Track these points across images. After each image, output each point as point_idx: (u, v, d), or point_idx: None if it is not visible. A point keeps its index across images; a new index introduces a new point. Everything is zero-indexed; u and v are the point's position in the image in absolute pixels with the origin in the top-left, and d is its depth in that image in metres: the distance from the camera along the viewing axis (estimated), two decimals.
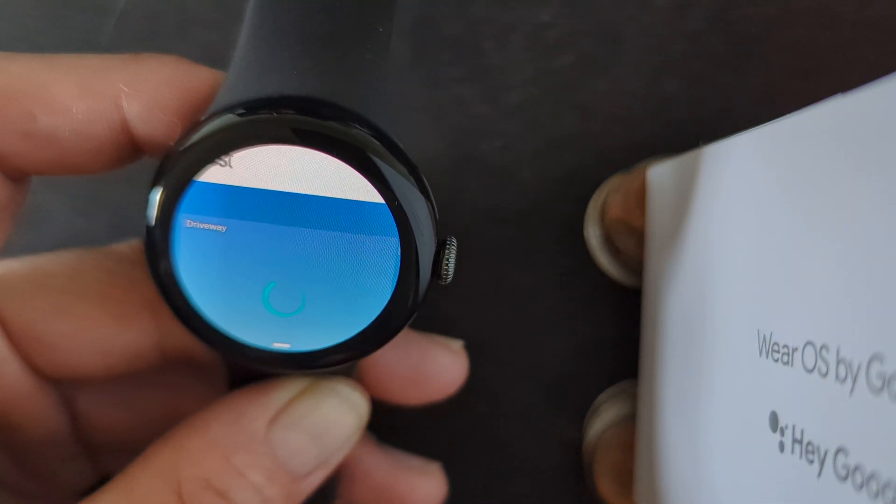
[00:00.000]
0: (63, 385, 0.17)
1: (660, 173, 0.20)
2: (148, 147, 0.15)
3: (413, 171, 0.14)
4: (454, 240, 0.15)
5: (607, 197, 0.22)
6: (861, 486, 0.11)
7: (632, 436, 0.21)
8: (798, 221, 0.13)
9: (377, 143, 0.14)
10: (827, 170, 0.12)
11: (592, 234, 0.22)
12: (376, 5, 0.15)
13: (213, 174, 0.14)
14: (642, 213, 0.21)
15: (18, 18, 0.22)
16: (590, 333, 0.23)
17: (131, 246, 0.17)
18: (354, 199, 0.14)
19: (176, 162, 0.14)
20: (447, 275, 0.14)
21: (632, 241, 0.21)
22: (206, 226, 0.14)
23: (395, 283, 0.14)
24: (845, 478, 0.12)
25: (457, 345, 0.20)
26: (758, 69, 0.22)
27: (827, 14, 0.22)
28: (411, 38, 0.22)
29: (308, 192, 0.14)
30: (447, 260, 0.14)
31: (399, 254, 0.14)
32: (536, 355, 0.23)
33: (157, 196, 0.14)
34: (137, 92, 0.14)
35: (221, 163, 0.13)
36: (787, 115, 0.14)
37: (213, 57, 0.22)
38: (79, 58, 0.14)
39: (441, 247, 0.14)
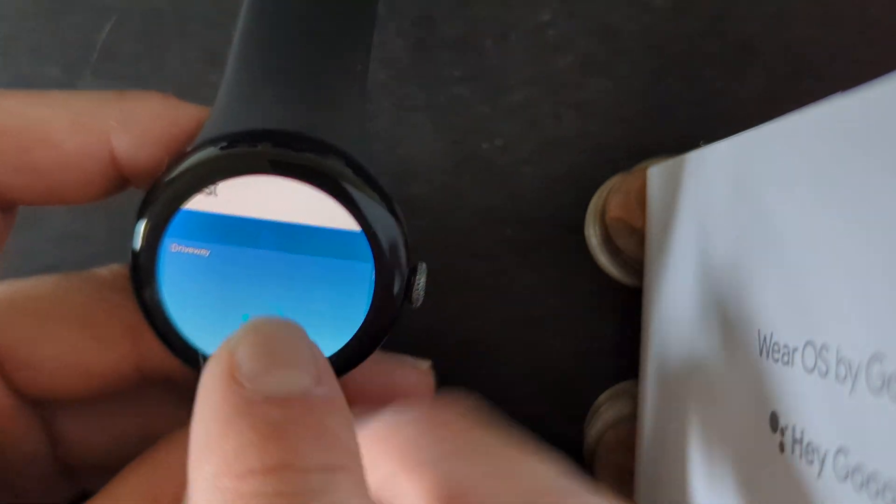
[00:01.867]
0: (43, 406, 0.17)
1: (660, 173, 0.20)
2: (135, 179, 0.16)
3: (386, 200, 0.15)
4: (424, 265, 0.15)
5: (607, 197, 0.21)
6: (861, 487, 0.11)
7: (632, 436, 0.21)
8: (797, 220, 0.13)
9: (351, 172, 0.14)
10: (826, 168, 0.12)
11: (592, 234, 0.22)
12: (354, 46, 0.16)
13: (199, 202, 0.14)
14: (642, 213, 0.21)
15: (16, 17, 0.22)
16: (590, 333, 0.23)
17: (111, 270, 0.17)
18: (332, 227, 0.14)
19: (162, 191, 0.14)
20: (418, 298, 0.15)
21: (632, 241, 0.21)
22: (190, 250, 0.15)
23: (368, 307, 0.15)
24: (845, 478, 0.12)
25: (424, 365, 0.20)
26: (758, 69, 0.22)
27: (827, 14, 0.22)
28: (411, 38, 0.22)
29: (288, 221, 0.14)
30: (418, 284, 0.15)
31: (373, 279, 0.15)
32: (536, 355, 0.23)
33: (143, 223, 0.14)
34: (127, 128, 0.15)
35: (207, 191, 0.14)
36: (787, 115, 0.14)
37: (213, 55, 0.22)
38: (70, 95, 0.15)
39: (412, 272, 0.15)
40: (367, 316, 0.15)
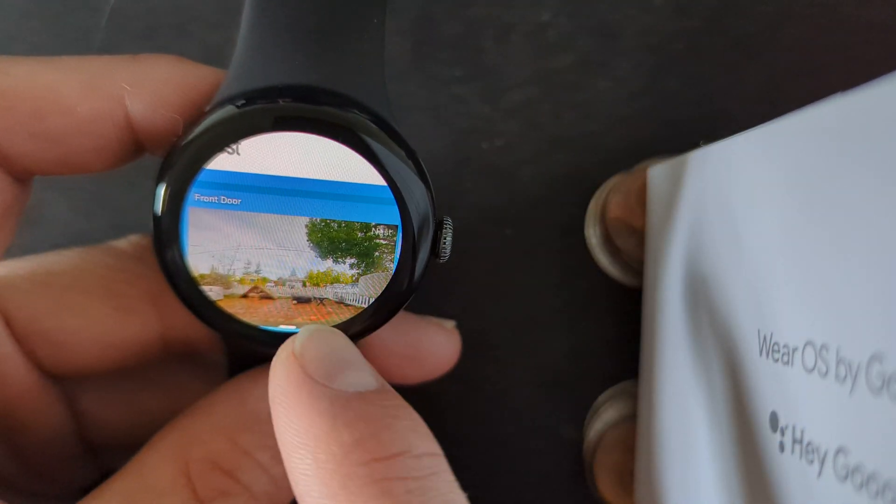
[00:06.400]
0: (66, 383, 0.17)
1: (660, 173, 0.20)
2: (150, 143, 0.15)
3: (410, 154, 0.14)
4: (450, 220, 0.15)
5: (607, 197, 0.21)
6: (861, 486, 0.11)
7: (632, 436, 0.21)
8: (797, 220, 0.13)
9: (374, 126, 0.14)
10: (826, 169, 0.12)
11: (592, 234, 0.22)
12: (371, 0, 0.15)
13: (221, 161, 0.14)
14: (642, 213, 0.21)
15: (16, 17, 0.22)
16: (590, 333, 0.23)
17: (130, 242, 0.17)
18: (357, 181, 0.14)
19: (182, 153, 0.14)
20: (444, 253, 0.15)
21: (632, 241, 0.21)
22: (216, 200, 0.14)
23: (396, 262, 0.15)
24: (845, 478, 0.12)
25: (450, 324, 0.20)
26: (758, 69, 0.22)
27: (827, 14, 0.22)
28: (411, 38, 0.22)
29: (312, 177, 0.14)
30: (444, 239, 0.15)
31: (400, 233, 0.14)
32: (536, 355, 0.23)
33: (164, 186, 0.14)
34: (140, 90, 0.15)
35: (230, 150, 0.14)
36: (787, 115, 0.14)
37: (213, 56, 0.22)
38: (82, 59, 0.15)
39: (438, 227, 0.15)
40: (395, 271, 0.15)
